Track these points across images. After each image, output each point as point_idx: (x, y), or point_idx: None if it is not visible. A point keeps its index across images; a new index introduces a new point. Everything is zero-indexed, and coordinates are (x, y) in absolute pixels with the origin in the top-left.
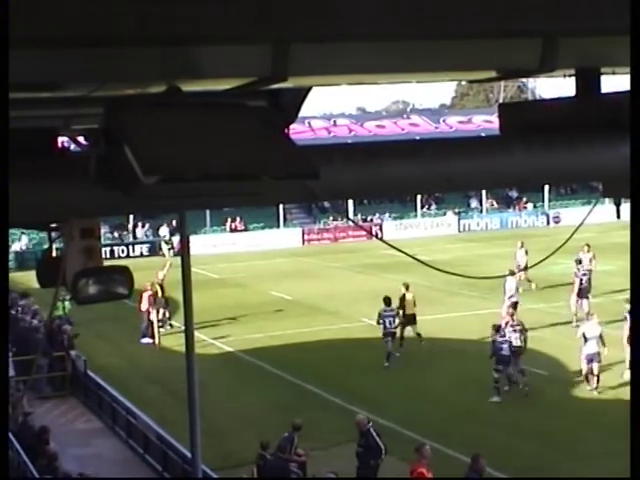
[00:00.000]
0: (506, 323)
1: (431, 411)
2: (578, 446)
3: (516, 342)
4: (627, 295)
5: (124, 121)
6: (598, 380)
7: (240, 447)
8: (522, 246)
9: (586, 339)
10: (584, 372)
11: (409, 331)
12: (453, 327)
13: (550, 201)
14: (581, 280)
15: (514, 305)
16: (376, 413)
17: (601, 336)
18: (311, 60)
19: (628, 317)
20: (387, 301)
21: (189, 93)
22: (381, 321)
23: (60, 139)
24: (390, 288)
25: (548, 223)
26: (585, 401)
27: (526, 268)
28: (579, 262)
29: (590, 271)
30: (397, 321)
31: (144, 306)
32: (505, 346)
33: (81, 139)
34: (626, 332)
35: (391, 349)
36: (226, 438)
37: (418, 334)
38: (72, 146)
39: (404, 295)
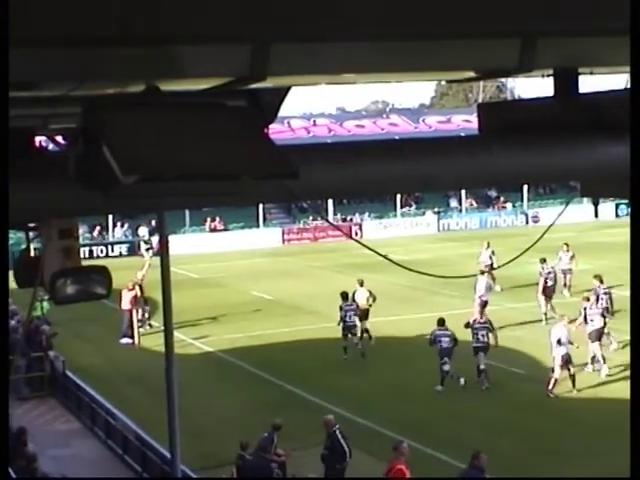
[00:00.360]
0: (474, 320)
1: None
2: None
3: (483, 339)
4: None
5: (103, 120)
6: (573, 381)
7: (220, 447)
8: (488, 247)
9: (559, 342)
10: (556, 375)
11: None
12: (426, 326)
13: (529, 201)
14: (545, 279)
15: (484, 304)
16: (354, 412)
17: (569, 340)
18: (290, 60)
19: (583, 313)
20: (344, 296)
21: (168, 93)
22: (341, 315)
23: (38, 139)
24: (371, 287)
25: (527, 222)
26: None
27: (492, 268)
28: (543, 261)
29: (565, 270)
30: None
31: (125, 306)
32: (445, 339)
33: (59, 139)
34: (585, 328)
35: (350, 343)
36: (206, 438)
37: (366, 330)
38: (50, 146)
39: (355, 291)
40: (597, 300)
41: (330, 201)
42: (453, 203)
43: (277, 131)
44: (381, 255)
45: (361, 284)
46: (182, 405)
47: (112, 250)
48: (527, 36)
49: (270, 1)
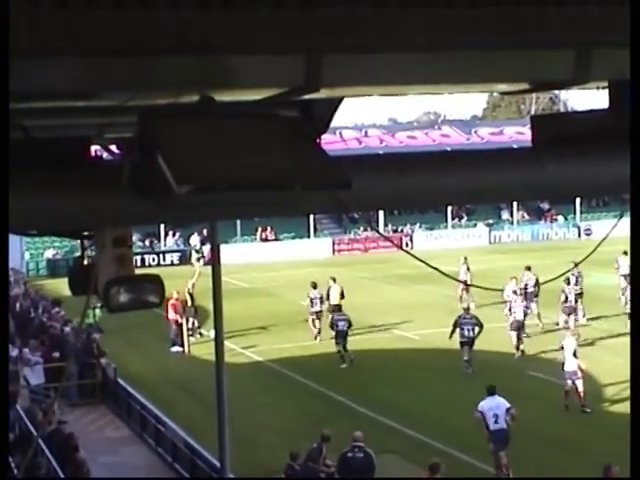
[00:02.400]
0: (459, 316)
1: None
2: None
3: (468, 334)
4: None
5: (158, 130)
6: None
7: (268, 457)
8: (464, 262)
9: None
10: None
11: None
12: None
13: (582, 213)
14: (567, 297)
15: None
16: (405, 424)
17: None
18: (343, 71)
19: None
20: (314, 285)
21: (222, 103)
22: (308, 302)
23: (93, 148)
24: (421, 299)
25: (579, 235)
26: None
27: (466, 285)
28: (567, 282)
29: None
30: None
31: (175, 314)
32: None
33: (114, 148)
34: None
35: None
36: (254, 447)
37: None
38: (105, 155)
39: (330, 287)
40: None
41: (381, 212)
42: (505, 215)
43: (329, 142)
44: (431, 266)
45: (334, 280)
46: (231, 414)
47: (164, 259)
48: (582, 47)
49: (323, 12)
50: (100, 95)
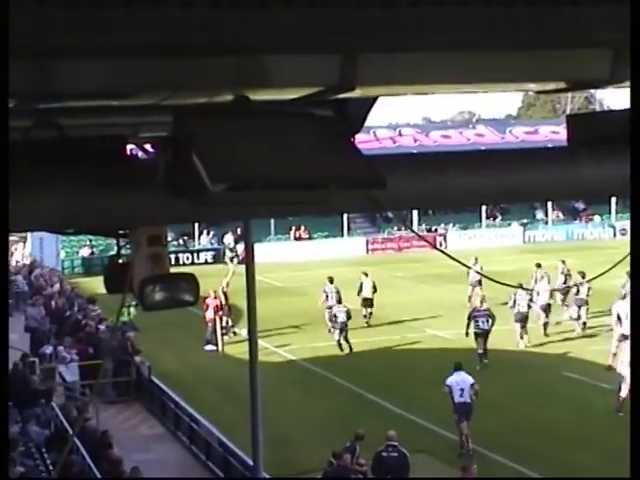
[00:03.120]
0: (474, 309)
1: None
2: None
3: (483, 325)
4: None
5: (193, 129)
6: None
7: (300, 456)
8: (475, 262)
9: None
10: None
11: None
12: (504, 338)
13: (617, 213)
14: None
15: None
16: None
17: None
18: (378, 70)
19: None
20: (331, 280)
21: (257, 102)
22: (323, 297)
23: (129, 147)
24: (454, 299)
25: (615, 235)
26: None
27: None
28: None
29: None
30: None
31: (209, 313)
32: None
33: (149, 147)
34: None
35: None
36: (287, 446)
37: (370, 314)
38: (140, 154)
39: (362, 281)
40: None
41: (415, 211)
42: (539, 215)
43: (363, 141)
44: (465, 266)
45: (366, 275)
46: (264, 412)
47: (198, 257)
48: (619, 46)
49: (359, 12)
50: (135, 94)
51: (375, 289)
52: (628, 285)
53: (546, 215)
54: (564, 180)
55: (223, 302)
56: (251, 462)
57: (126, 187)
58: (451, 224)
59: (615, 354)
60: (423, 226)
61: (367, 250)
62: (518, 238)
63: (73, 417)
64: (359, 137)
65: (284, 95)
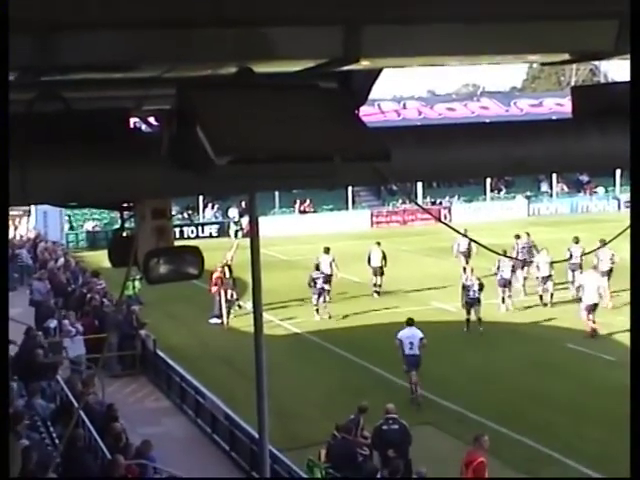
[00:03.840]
0: (466, 278)
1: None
2: None
3: (474, 295)
4: None
5: (196, 102)
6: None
7: (306, 428)
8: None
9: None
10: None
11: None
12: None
13: (622, 185)
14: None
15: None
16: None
17: None
18: (383, 42)
19: None
20: (327, 250)
21: (261, 74)
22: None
23: (132, 120)
24: (460, 272)
25: (619, 208)
26: None
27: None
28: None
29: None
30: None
31: (214, 287)
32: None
33: (152, 120)
34: None
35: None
36: (292, 419)
37: (379, 285)
38: (143, 127)
39: (370, 250)
40: None
41: (419, 184)
42: (544, 187)
43: (367, 114)
44: (470, 239)
45: (378, 244)
46: (269, 386)
47: (202, 231)
48: (624, 18)
49: None
50: (138, 67)
51: (385, 258)
52: (601, 255)
53: (551, 188)
54: (569, 152)
55: (227, 275)
56: (257, 435)
57: (130, 160)
58: (456, 197)
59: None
60: (428, 199)
61: (372, 223)
62: (523, 211)
63: (78, 391)
64: (364, 110)
65: (288, 67)
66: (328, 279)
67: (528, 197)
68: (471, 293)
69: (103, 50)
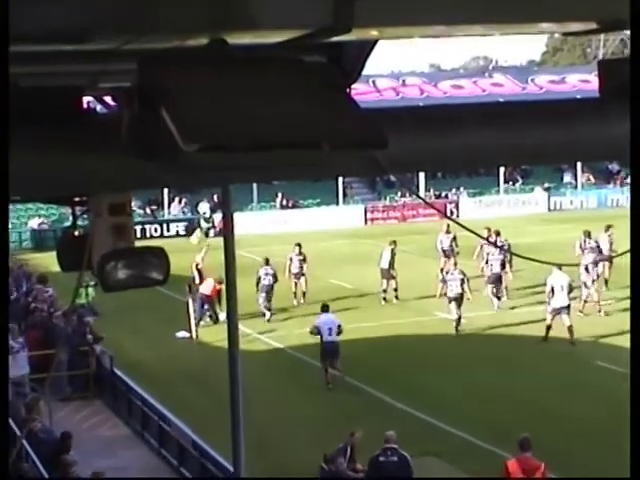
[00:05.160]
0: (446, 272)
1: None
2: None
3: (457, 289)
4: None
5: (162, 79)
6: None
7: (289, 460)
8: (447, 230)
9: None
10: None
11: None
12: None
13: None
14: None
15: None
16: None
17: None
18: (378, 8)
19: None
20: (299, 245)
21: (237, 46)
22: (288, 262)
23: (85, 99)
24: (468, 275)
25: None
26: None
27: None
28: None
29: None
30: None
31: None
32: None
33: (109, 99)
34: None
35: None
36: (273, 449)
37: (385, 290)
38: (99, 107)
39: (383, 250)
40: None
41: (422, 174)
42: (567, 178)
43: (361, 92)
44: (481, 237)
45: (394, 243)
46: (246, 410)
47: (168, 229)
48: None
49: None
50: (93, 38)
51: (392, 257)
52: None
53: (575, 178)
54: (596, 137)
55: (197, 281)
56: (231, 468)
57: (83, 146)
58: (464, 189)
59: (549, 326)
60: (431, 192)
61: (365, 220)
62: (542, 205)
63: (22, 417)
64: (356, 88)
65: (268, 38)
66: (298, 277)
67: (548, 189)
68: (454, 287)
69: (53, 18)
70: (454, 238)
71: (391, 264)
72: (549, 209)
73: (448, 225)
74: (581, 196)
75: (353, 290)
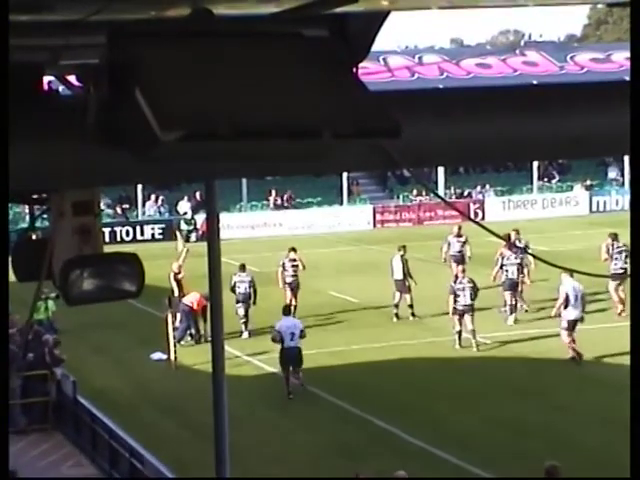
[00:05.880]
0: (455, 280)
1: None
2: None
3: (465, 300)
4: None
5: (135, 55)
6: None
7: None
8: (458, 233)
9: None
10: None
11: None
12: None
13: None
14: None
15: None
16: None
17: None
18: None
19: None
20: (294, 249)
21: (224, 18)
22: (280, 269)
23: (45, 78)
24: (496, 291)
25: None
26: None
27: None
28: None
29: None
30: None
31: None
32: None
33: (73, 79)
34: None
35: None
36: None
37: (409, 305)
38: (61, 88)
39: (393, 257)
40: None
41: (441, 169)
42: (612, 174)
43: (370, 72)
44: (511, 243)
45: (404, 248)
46: (233, 446)
47: (142, 232)
48: None
49: None
50: (56, 7)
51: (406, 266)
52: None
53: (622, 174)
54: None
55: (175, 293)
56: None
57: (43, 133)
58: (490, 187)
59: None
60: (452, 190)
61: (374, 223)
62: (583, 206)
63: None
64: (365, 66)
65: (261, 9)
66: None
67: (590, 187)
68: (462, 299)
69: None
70: (465, 242)
71: (405, 274)
72: (591, 210)
73: (459, 227)
74: (629, 195)
75: (358, 304)
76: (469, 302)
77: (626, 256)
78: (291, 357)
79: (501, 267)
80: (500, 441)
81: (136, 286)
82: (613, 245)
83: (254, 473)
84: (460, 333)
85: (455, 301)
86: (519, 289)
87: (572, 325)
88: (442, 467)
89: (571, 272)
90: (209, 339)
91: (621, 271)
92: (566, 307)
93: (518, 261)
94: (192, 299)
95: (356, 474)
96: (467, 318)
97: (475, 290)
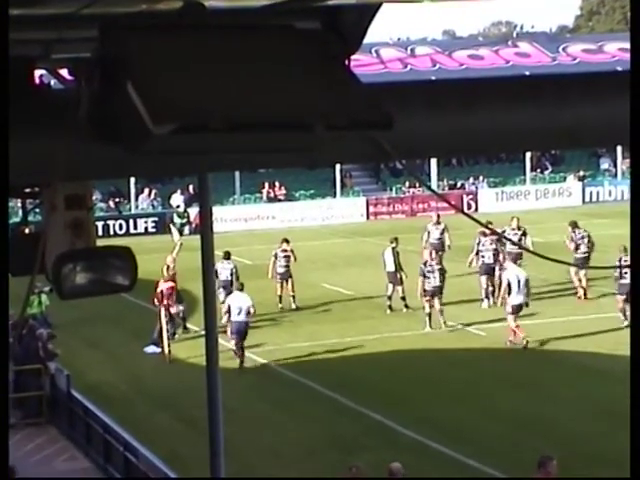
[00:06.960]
0: (425, 263)
1: None
2: None
3: (435, 282)
4: None
5: (127, 48)
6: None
7: None
8: (437, 222)
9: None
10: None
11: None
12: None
13: None
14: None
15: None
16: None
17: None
18: None
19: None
20: (286, 240)
21: (215, 11)
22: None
23: (38, 72)
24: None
25: None
26: None
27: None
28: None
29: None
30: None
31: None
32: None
33: (65, 72)
34: None
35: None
36: None
37: (402, 297)
38: (52, 82)
39: (384, 250)
40: None
41: (433, 161)
42: (605, 164)
43: (362, 63)
44: (502, 237)
45: (396, 241)
46: (227, 438)
47: (135, 226)
48: None
49: None
50: (47, 0)
51: (396, 258)
52: None
53: (615, 165)
54: None
55: (169, 287)
56: None
57: (35, 127)
58: (483, 179)
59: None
60: (445, 181)
61: (368, 215)
62: (576, 197)
63: None
64: (357, 58)
65: (253, 1)
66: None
67: (583, 178)
68: (432, 280)
69: None
70: (444, 230)
71: (397, 266)
72: (584, 201)
73: (438, 215)
74: (621, 186)
75: (352, 296)
76: (438, 284)
77: (588, 241)
78: (238, 331)
79: (477, 253)
80: (496, 433)
81: (129, 280)
82: (575, 232)
83: (248, 466)
84: (430, 315)
85: (424, 283)
86: (495, 275)
87: (516, 309)
88: (437, 459)
89: (563, 263)
90: (187, 326)
91: (584, 255)
92: (509, 293)
93: (494, 247)
94: (162, 288)
95: (350, 467)
96: (436, 300)
97: (443, 273)
